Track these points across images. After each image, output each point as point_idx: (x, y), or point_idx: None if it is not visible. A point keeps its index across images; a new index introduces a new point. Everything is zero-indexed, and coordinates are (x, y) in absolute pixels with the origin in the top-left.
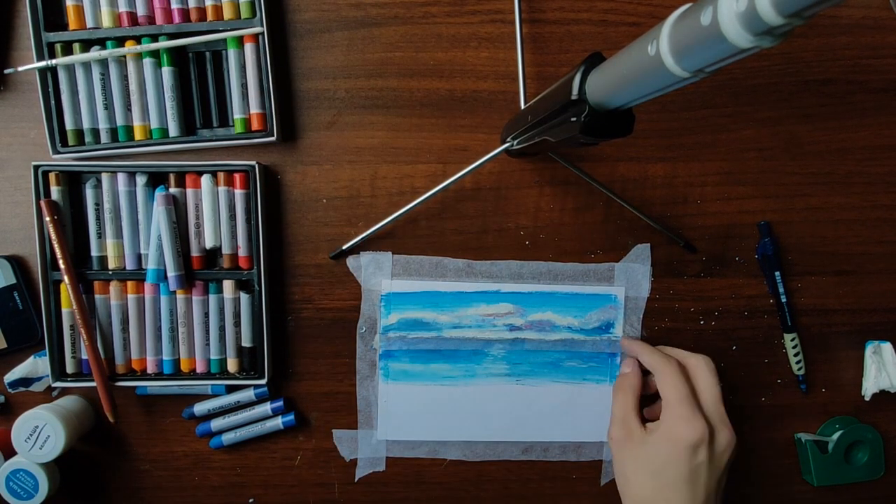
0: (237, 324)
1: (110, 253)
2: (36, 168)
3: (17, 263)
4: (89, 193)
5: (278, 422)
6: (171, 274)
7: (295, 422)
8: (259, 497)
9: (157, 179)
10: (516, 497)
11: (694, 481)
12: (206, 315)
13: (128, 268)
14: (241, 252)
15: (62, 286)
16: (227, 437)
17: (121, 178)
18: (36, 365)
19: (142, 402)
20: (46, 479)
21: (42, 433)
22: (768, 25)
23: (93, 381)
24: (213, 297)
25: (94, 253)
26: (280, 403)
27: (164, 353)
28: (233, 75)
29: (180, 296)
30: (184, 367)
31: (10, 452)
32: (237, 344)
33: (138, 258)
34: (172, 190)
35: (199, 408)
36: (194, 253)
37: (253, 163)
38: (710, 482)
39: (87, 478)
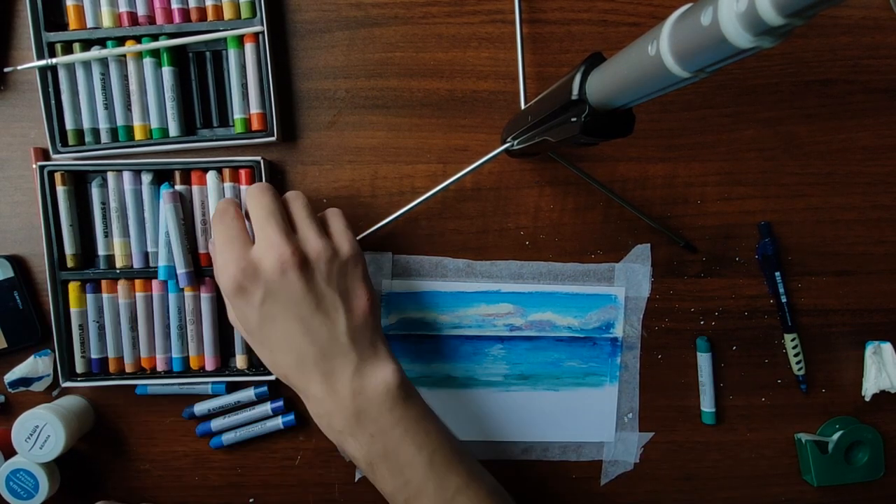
0: None
1: (117, 252)
2: (42, 168)
3: (18, 263)
4: (95, 192)
5: (278, 422)
6: (180, 271)
7: (295, 421)
8: (259, 497)
9: (162, 178)
10: (516, 497)
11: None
12: (216, 312)
13: (135, 266)
14: None
15: (70, 286)
16: (227, 437)
17: (126, 176)
18: (36, 365)
19: (142, 402)
20: (46, 479)
21: (42, 433)
22: (768, 25)
23: (102, 380)
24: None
25: (101, 252)
26: (280, 403)
27: (174, 350)
28: (233, 75)
29: (189, 293)
30: (193, 364)
31: (10, 452)
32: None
33: (145, 256)
34: (178, 187)
35: (200, 408)
36: (202, 250)
37: (258, 158)
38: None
39: (87, 478)
